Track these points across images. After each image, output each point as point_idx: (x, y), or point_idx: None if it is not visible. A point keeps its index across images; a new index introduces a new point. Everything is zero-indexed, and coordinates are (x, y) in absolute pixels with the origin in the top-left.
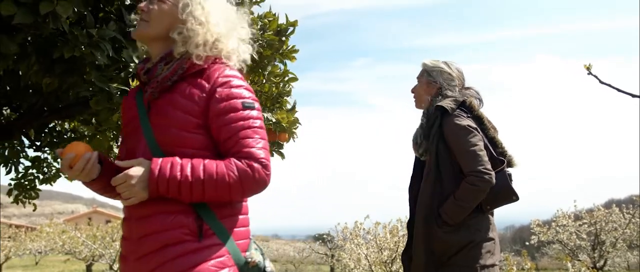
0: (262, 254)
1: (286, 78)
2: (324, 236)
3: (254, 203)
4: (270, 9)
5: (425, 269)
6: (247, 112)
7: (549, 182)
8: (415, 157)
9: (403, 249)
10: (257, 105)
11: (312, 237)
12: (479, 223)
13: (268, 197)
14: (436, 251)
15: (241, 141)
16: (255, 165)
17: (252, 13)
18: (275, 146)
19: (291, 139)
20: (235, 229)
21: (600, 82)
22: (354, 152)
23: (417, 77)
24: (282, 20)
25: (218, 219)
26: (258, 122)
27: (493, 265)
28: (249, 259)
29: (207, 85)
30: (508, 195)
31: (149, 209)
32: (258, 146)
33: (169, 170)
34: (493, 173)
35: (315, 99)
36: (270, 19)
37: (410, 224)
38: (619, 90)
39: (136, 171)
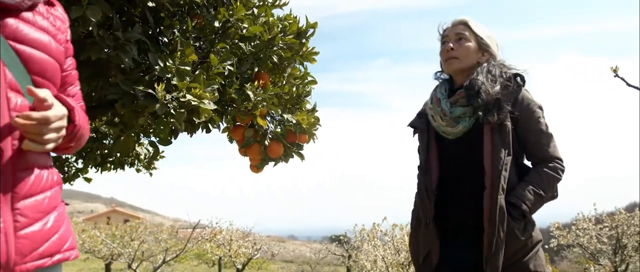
0: None
1: (306, 80)
2: (341, 237)
3: (269, 204)
4: (290, 11)
5: None
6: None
7: (569, 184)
8: (425, 137)
9: (423, 254)
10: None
11: (328, 238)
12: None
13: (284, 198)
14: (507, 252)
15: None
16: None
17: (272, 15)
18: (295, 147)
19: (311, 140)
20: None
21: (628, 84)
22: (369, 153)
23: (459, 32)
24: (302, 23)
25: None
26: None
27: None
28: None
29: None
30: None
31: (30, 162)
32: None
33: (83, 120)
34: None
35: (332, 100)
36: (290, 21)
37: (444, 223)
38: None
39: (58, 112)
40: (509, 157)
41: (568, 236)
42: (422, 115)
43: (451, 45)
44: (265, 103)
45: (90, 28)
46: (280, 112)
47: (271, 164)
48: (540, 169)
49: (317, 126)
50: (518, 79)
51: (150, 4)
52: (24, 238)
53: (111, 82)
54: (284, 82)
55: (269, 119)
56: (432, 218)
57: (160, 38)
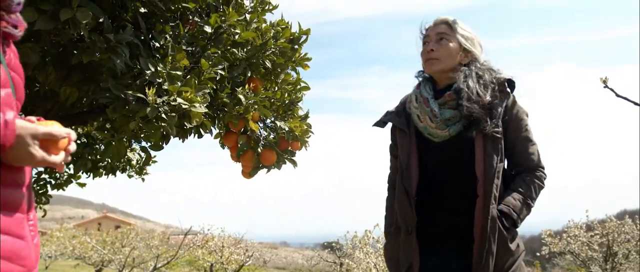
0: None
1: (299, 86)
2: (333, 244)
3: (261, 210)
4: (281, 16)
5: None
6: None
7: (560, 191)
8: (406, 137)
9: (406, 265)
10: None
11: (320, 245)
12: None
13: (277, 205)
14: (497, 264)
15: None
16: None
17: (265, 21)
18: (288, 154)
19: (303, 147)
20: None
21: (617, 95)
22: (365, 159)
23: (441, 32)
24: (294, 29)
25: None
26: None
27: None
28: None
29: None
30: None
31: (31, 177)
32: None
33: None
34: None
35: (328, 107)
36: (283, 26)
37: (429, 232)
38: (637, 104)
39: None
40: (501, 164)
41: (559, 243)
42: (401, 114)
43: (431, 45)
44: (256, 107)
45: (82, 31)
46: (272, 118)
47: (263, 170)
48: (527, 177)
49: (310, 134)
50: (508, 85)
51: (142, 9)
52: (36, 246)
53: (102, 86)
54: (277, 88)
55: (261, 125)
56: (414, 225)
57: (151, 43)
